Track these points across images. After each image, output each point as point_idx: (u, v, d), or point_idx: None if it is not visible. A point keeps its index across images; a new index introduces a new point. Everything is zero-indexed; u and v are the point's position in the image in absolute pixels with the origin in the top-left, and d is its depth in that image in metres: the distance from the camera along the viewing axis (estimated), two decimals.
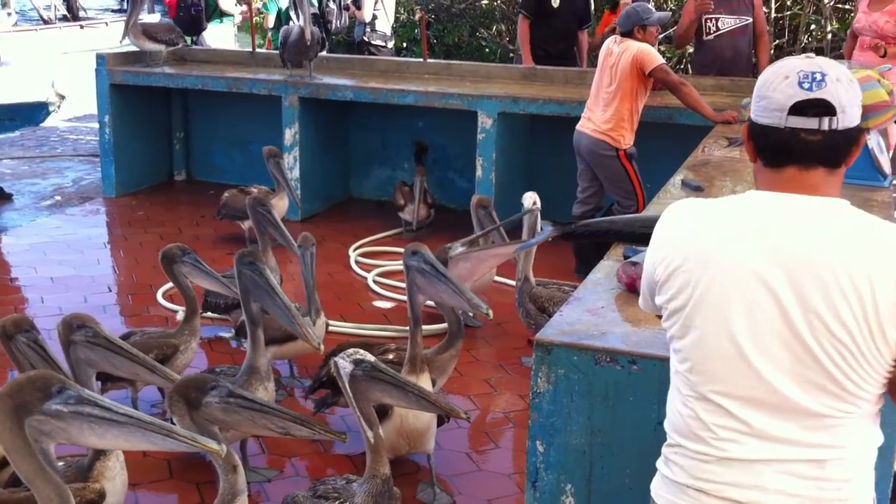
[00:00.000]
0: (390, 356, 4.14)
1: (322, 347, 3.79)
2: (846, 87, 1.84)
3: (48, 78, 11.98)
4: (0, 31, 16.44)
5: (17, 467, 2.21)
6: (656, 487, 2.02)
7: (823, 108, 1.82)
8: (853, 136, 1.87)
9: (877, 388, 1.82)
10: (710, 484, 1.89)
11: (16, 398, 2.17)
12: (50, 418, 2.16)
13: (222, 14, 9.12)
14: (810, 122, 1.83)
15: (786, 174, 1.87)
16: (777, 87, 1.86)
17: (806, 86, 1.83)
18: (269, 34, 10.38)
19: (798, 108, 1.83)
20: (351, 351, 3.09)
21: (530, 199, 4.95)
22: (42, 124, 11.78)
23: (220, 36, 9.27)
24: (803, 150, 1.85)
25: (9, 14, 19.48)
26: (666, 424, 2.00)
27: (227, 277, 4.24)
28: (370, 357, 3.07)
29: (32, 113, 11.23)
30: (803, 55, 1.93)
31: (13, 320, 3.29)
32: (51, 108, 12.07)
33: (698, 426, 1.90)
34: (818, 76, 1.83)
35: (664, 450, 2.00)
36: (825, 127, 1.82)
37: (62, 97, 12.23)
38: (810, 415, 1.82)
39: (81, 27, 19.96)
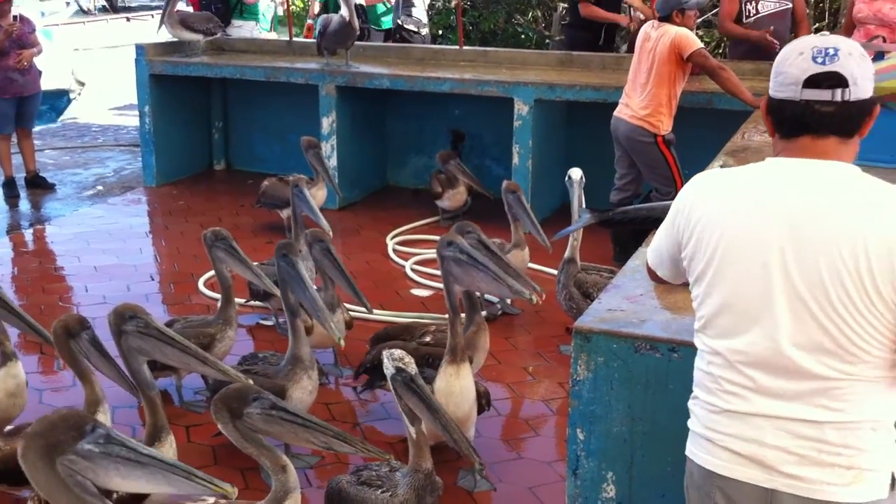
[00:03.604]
0: (427, 338, 4.17)
1: (343, 342, 3.84)
2: (858, 61, 1.93)
3: (69, 66, 12.17)
4: (58, 23, 16.65)
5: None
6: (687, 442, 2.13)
7: (836, 80, 1.91)
8: (866, 108, 1.95)
9: (881, 351, 1.86)
10: (716, 434, 2.00)
11: (49, 438, 2.15)
12: (81, 459, 2.16)
13: (243, 10, 9.15)
14: (824, 94, 1.92)
15: (800, 143, 1.97)
16: (793, 62, 1.95)
17: (819, 60, 1.92)
18: (310, 23, 10.40)
19: (812, 81, 1.92)
20: (398, 355, 3.13)
21: (578, 172, 4.94)
22: (66, 112, 11.96)
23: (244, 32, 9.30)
24: (817, 121, 1.94)
25: (67, 4, 19.61)
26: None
27: (269, 265, 4.29)
28: (411, 368, 3.09)
29: (54, 101, 11.37)
30: (818, 34, 2.00)
31: (77, 319, 3.36)
32: (71, 96, 12.27)
33: (708, 378, 2.02)
34: (831, 51, 1.92)
35: (688, 403, 2.12)
36: (838, 98, 1.91)
37: (82, 84, 12.42)
38: (810, 375, 1.88)
39: (128, 20, 20.20)
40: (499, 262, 4.02)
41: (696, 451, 2.05)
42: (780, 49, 7.18)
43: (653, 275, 2.40)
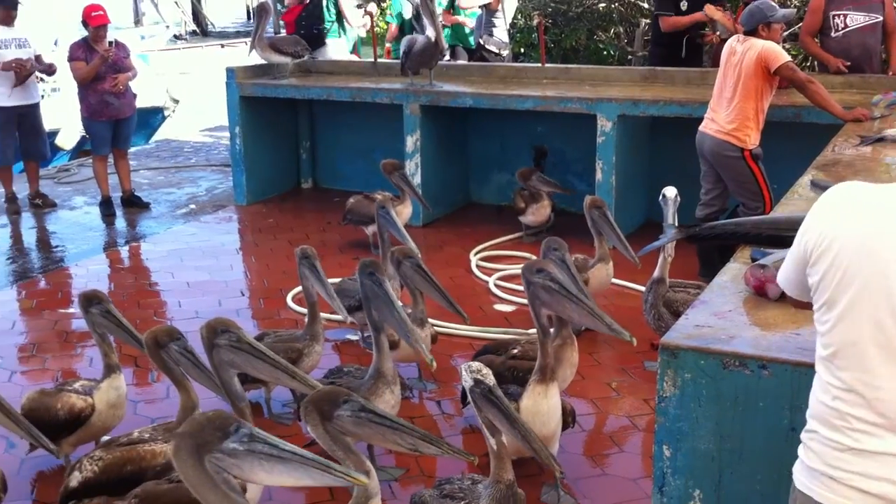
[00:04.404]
0: (515, 350, 4.18)
1: (434, 364, 3.82)
2: None
3: (164, 85, 12.59)
4: (157, 49, 17.26)
5: (204, 500, 2.34)
6: (796, 472, 2.04)
7: None
8: None
9: None
10: (840, 472, 1.90)
11: (197, 437, 2.29)
12: (227, 456, 2.29)
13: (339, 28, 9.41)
14: None
15: None
16: None
17: None
18: (389, 45, 10.57)
19: None
20: (476, 367, 3.14)
21: (672, 190, 4.83)
22: (160, 130, 12.33)
23: (336, 50, 9.59)
24: None
25: (167, 27, 20.20)
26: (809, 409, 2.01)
27: (354, 280, 4.37)
28: (489, 380, 3.10)
29: (148, 118, 11.75)
30: None
31: (165, 330, 3.49)
32: (166, 113, 12.67)
33: (834, 415, 1.91)
34: None
35: (802, 435, 2.01)
36: None
37: (176, 101, 12.82)
38: None
39: (222, 46, 20.82)
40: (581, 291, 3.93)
41: (813, 486, 1.96)
42: (862, 68, 6.92)
43: (789, 299, 2.24)
